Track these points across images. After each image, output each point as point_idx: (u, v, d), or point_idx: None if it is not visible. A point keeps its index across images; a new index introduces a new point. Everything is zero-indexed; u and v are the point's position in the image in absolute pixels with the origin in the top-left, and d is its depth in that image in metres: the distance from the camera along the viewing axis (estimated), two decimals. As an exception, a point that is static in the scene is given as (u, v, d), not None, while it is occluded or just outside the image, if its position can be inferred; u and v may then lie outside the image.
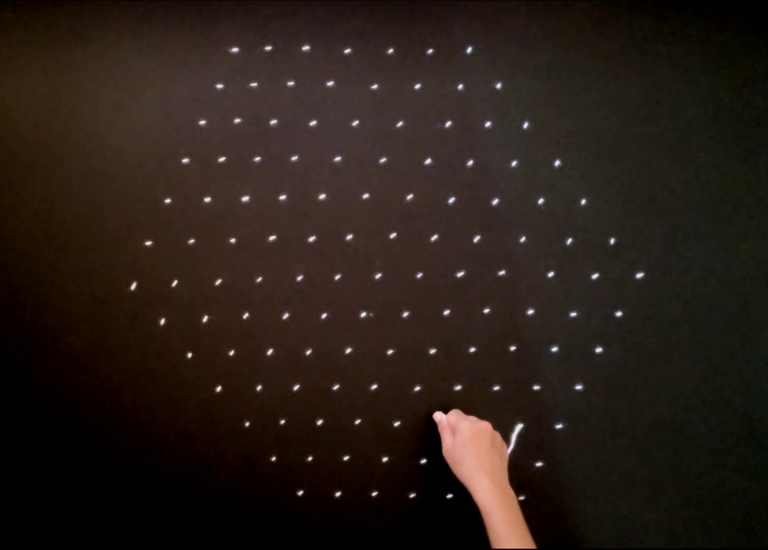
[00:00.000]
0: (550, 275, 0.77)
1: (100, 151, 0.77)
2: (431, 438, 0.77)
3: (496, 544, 0.61)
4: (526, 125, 0.78)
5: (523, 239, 0.77)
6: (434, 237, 0.78)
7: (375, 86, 0.78)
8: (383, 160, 0.78)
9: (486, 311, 0.77)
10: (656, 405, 0.76)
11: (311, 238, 0.78)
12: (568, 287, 0.77)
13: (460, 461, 0.68)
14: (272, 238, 0.77)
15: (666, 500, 0.75)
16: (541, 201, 0.78)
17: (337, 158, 0.78)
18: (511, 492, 0.66)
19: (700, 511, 0.75)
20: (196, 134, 0.78)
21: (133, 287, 0.77)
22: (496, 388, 0.77)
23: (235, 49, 0.78)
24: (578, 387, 0.76)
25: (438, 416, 0.74)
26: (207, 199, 0.77)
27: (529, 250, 0.77)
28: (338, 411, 0.76)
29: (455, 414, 0.73)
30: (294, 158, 0.78)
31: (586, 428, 0.76)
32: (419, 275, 0.78)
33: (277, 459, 0.76)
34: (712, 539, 0.75)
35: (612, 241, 0.77)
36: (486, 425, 0.70)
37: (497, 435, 0.71)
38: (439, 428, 0.73)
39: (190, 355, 0.77)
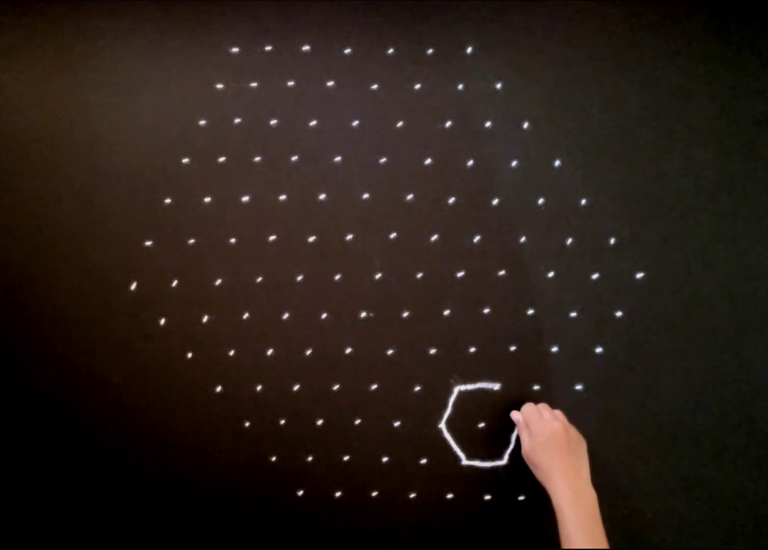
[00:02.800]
0: (550, 274, 0.77)
1: (100, 151, 0.77)
2: (431, 438, 0.77)
3: (566, 546, 0.61)
4: (526, 125, 0.78)
5: (523, 239, 0.77)
6: (434, 237, 0.78)
7: (375, 86, 0.78)
8: (383, 160, 0.78)
9: (486, 311, 0.77)
10: (656, 405, 0.76)
11: (311, 238, 0.78)
12: (568, 287, 0.77)
13: (536, 465, 0.68)
14: (272, 238, 0.77)
15: (666, 500, 0.75)
16: (541, 201, 0.78)
17: (337, 158, 0.78)
18: (587, 493, 0.65)
19: (701, 511, 0.75)
20: (196, 134, 0.78)
21: (133, 287, 0.77)
22: (497, 387, 0.77)
23: (235, 49, 0.78)
24: (578, 387, 0.76)
25: (515, 415, 0.74)
26: (207, 199, 0.77)
27: (529, 250, 0.77)
28: (338, 411, 0.76)
29: (528, 411, 0.72)
30: (294, 158, 0.78)
31: (586, 428, 0.76)
32: (419, 275, 0.78)
33: (277, 459, 0.77)
34: (713, 539, 0.75)
35: (612, 241, 0.77)
36: (557, 426, 0.69)
37: (572, 433, 0.70)
38: (518, 428, 0.73)
39: (190, 355, 0.77)
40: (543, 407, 0.73)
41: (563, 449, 0.67)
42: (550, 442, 0.68)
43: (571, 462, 0.67)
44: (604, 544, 0.62)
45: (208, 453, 0.76)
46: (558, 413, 0.73)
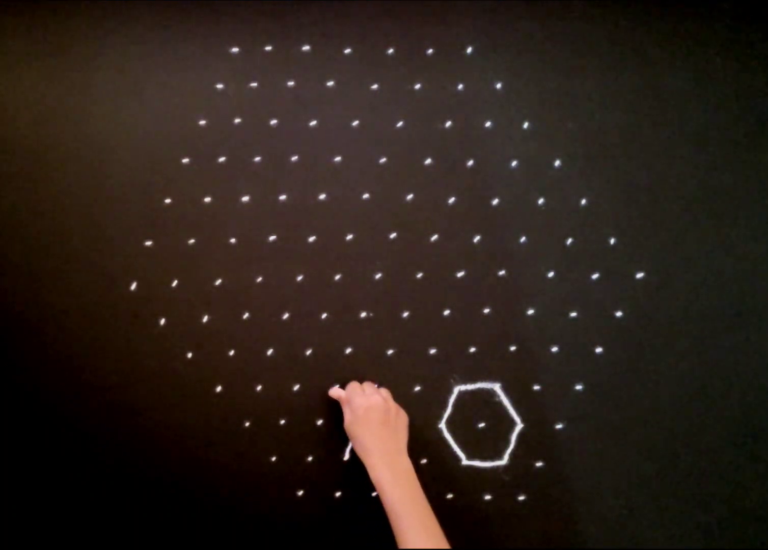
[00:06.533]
0: (550, 274, 0.77)
1: (100, 151, 0.77)
2: (431, 438, 0.77)
3: (393, 520, 0.62)
4: (526, 125, 0.78)
5: (523, 239, 0.77)
6: (434, 237, 0.78)
7: (375, 86, 0.78)
8: (383, 160, 0.78)
9: (486, 311, 0.77)
10: (656, 405, 0.76)
11: (311, 238, 0.78)
12: (568, 287, 0.77)
13: (354, 438, 0.69)
14: (272, 238, 0.77)
15: (666, 500, 0.75)
16: (541, 201, 0.78)
17: (337, 158, 0.78)
18: (405, 468, 0.66)
19: (700, 511, 0.75)
20: (196, 134, 0.78)
21: (133, 286, 0.77)
22: (497, 388, 0.77)
23: (235, 49, 0.78)
24: (578, 387, 0.76)
25: (335, 391, 0.74)
26: (207, 199, 0.77)
27: (529, 250, 0.77)
28: (338, 411, 0.76)
29: (351, 388, 0.73)
30: (294, 158, 0.78)
31: (586, 428, 0.76)
32: (419, 275, 0.78)
33: (277, 459, 0.76)
34: (712, 539, 0.75)
35: (612, 241, 0.77)
36: (377, 399, 0.70)
37: (391, 407, 0.70)
38: (341, 403, 0.73)
39: (190, 355, 0.77)
40: (367, 384, 0.74)
41: (381, 421, 0.68)
42: (368, 414, 0.68)
43: (389, 435, 0.68)
44: (426, 507, 0.63)
45: (207, 453, 0.76)
46: (383, 390, 0.74)
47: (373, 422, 0.68)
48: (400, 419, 0.71)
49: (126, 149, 0.77)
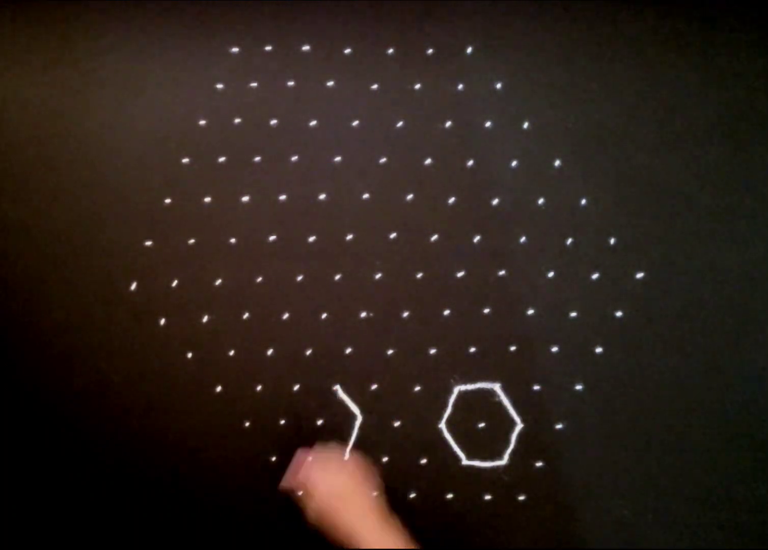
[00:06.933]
0: (550, 275, 0.77)
1: (100, 151, 0.77)
2: (431, 438, 0.77)
3: None
4: (526, 125, 0.78)
5: (523, 239, 0.77)
6: (434, 237, 0.78)
7: (375, 86, 0.78)
8: (383, 160, 0.78)
9: (486, 311, 0.77)
10: (656, 405, 0.76)
11: (311, 238, 0.78)
12: (568, 287, 0.77)
13: (330, 528, 0.65)
14: (272, 238, 0.77)
15: (666, 500, 0.75)
16: (541, 201, 0.78)
17: (337, 158, 0.78)
18: (387, 530, 0.64)
19: (701, 511, 0.75)
20: (196, 134, 0.78)
21: (133, 287, 0.77)
22: (497, 388, 0.77)
23: (235, 49, 0.78)
24: (578, 387, 0.76)
25: (286, 484, 0.70)
26: (207, 199, 0.77)
27: (529, 250, 0.77)
28: (338, 411, 0.76)
29: (306, 471, 0.69)
30: (294, 158, 0.78)
31: (586, 428, 0.76)
32: (419, 275, 0.78)
33: (277, 459, 0.76)
34: (712, 539, 0.75)
35: (612, 241, 0.77)
36: (340, 482, 0.67)
37: (352, 479, 0.68)
38: (295, 498, 0.69)
39: (190, 355, 0.77)
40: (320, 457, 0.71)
41: (347, 505, 0.65)
42: (332, 502, 0.65)
43: (360, 513, 0.65)
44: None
45: (208, 453, 0.76)
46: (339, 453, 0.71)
47: (340, 507, 0.65)
48: (367, 480, 0.69)
49: (126, 149, 0.77)
